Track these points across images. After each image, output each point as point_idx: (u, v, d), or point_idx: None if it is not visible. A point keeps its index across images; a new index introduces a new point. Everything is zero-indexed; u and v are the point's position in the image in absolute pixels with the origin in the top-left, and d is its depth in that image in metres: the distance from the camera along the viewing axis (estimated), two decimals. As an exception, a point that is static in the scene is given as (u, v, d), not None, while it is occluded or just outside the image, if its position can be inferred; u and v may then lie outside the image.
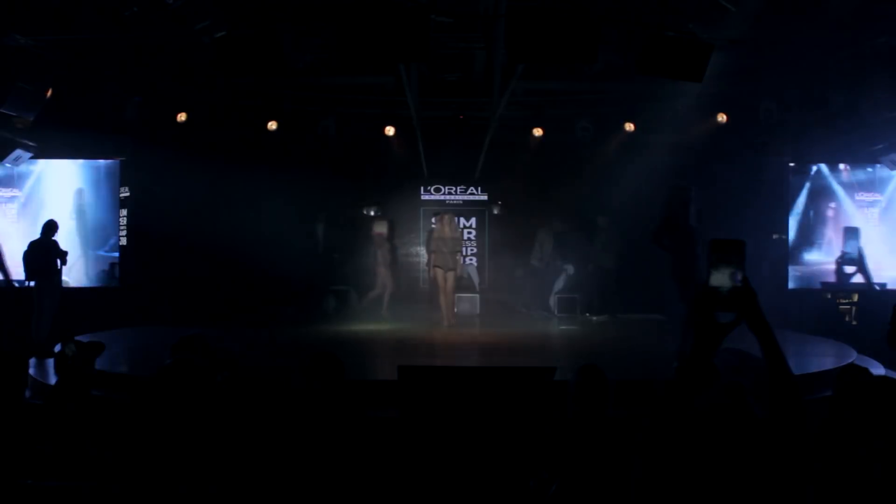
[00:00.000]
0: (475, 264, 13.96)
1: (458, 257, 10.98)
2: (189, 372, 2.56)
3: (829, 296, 12.00)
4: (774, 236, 12.37)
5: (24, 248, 9.33)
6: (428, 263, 11.07)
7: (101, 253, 12.35)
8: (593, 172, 12.55)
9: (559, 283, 12.61)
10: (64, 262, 9.36)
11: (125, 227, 12.14)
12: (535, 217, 12.82)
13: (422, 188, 13.77)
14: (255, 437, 3.27)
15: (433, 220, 12.34)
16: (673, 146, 11.83)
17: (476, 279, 13.49)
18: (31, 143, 11.10)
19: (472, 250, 14.09)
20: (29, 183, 12.14)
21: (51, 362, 6.87)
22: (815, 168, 12.41)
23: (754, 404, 2.24)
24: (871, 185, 12.41)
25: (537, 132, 12.01)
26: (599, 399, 3.32)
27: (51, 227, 9.37)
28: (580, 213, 12.56)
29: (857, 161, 12.20)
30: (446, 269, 10.68)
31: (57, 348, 5.15)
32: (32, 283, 9.29)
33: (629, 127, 11.75)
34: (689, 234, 7.22)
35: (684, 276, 7.20)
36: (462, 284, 12.80)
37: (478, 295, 12.74)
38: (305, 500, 3.06)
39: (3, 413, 3.00)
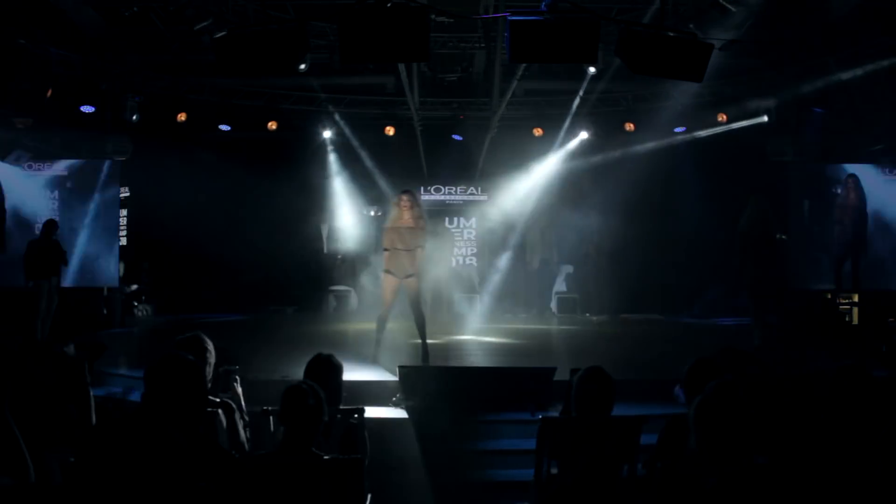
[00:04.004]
0: (475, 264, 13.96)
1: (417, 254, 6.73)
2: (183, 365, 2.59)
3: (829, 296, 11.97)
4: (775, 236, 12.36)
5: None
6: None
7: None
8: (593, 172, 12.55)
9: (558, 283, 12.62)
10: (65, 263, 9.34)
11: (125, 227, 12.13)
12: (536, 217, 12.83)
13: (422, 188, 13.77)
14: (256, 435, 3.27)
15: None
16: (672, 146, 11.83)
17: (476, 279, 13.50)
18: (30, 143, 11.09)
19: (472, 250, 14.09)
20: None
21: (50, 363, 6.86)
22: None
23: (750, 402, 2.25)
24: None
25: (537, 132, 12.01)
26: (604, 400, 3.32)
27: (51, 227, 9.34)
28: (579, 213, 12.56)
29: (856, 161, 12.17)
30: (400, 275, 6.74)
31: (57, 349, 5.15)
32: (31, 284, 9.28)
33: (629, 127, 11.75)
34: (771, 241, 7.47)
35: (763, 282, 7.27)
36: (462, 284, 12.81)
37: (478, 295, 12.74)
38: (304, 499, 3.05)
39: (3, 413, 2.99)
